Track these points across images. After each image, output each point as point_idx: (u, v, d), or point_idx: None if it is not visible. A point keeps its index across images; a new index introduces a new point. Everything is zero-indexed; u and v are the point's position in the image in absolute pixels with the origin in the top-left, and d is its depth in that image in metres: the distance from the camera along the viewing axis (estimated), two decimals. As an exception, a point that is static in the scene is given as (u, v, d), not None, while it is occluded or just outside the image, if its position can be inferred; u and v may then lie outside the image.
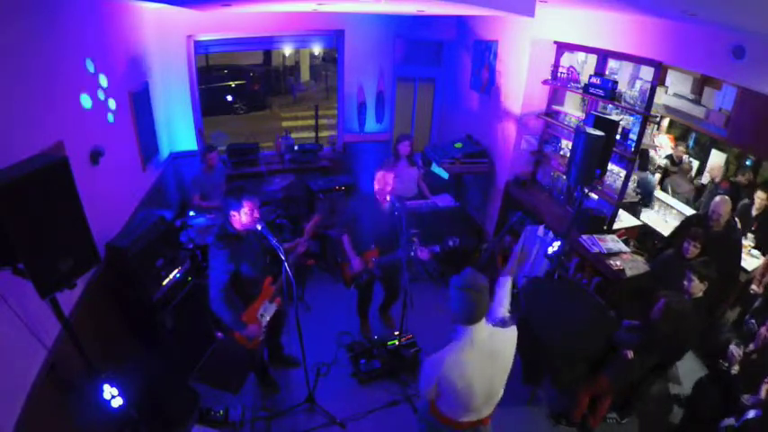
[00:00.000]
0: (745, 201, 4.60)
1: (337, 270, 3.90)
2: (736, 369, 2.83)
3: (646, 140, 4.08)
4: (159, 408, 2.87)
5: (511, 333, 2.10)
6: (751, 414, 2.58)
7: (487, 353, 1.99)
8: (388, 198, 3.46)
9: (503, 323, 2.11)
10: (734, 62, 2.88)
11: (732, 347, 2.90)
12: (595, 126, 3.27)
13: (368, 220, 3.53)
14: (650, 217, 4.85)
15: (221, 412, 3.17)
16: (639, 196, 4.58)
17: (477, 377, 1.98)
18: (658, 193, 5.19)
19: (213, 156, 4.65)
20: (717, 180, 5.07)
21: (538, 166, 5.17)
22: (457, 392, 2.00)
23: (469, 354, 1.96)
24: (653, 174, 5.44)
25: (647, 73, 3.81)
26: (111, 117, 3.41)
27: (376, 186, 3.47)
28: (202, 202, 4.61)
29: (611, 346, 3.17)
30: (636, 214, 4.68)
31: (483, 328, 1.98)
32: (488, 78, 5.29)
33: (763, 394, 2.59)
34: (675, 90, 4.42)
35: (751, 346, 2.99)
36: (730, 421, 2.67)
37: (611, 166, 4.00)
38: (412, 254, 3.40)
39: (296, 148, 5.82)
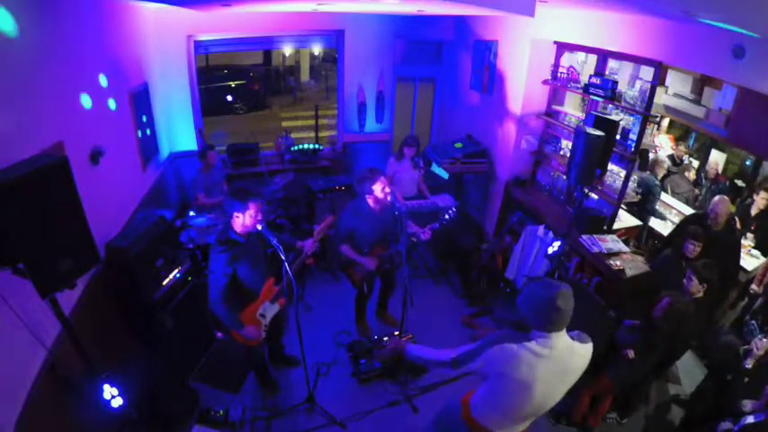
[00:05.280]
0: (746, 200, 4.60)
1: (340, 272, 3.92)
2: (750, 363, 2.81)
3: (646, 140, 4.07)
4: (159, 408, 2.87)
5: (586, 350, 1.92)
6: (750, 419, 2.56)
7: (563, 366, 1.85)
8: (388, 198, 3.44)
9: (579, 338, 1.93)
10: (734, 62, 2.87)
11: (756, 341, 2.85)
12: (595, 126, 3.27)
13: (364, 226, 3.52)
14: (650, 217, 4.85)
15: (221, 412, 3.16)
16: (640, 196, 4.57)
17: (541, 385, 1.84)
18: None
19: (212, 155, 4.66)
20: (711, 176, 5.08)
21: (538, 166, 5.17)
22: (515, 391, 1.88)
23: (545, 360, 1.80)
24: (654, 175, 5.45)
25: (647, 73, 3.80)
26: (111, 117, 3.42)
27: (377, 196, 3.40)
28: (205, 199, 4.61)
29: (612, 346, 3.18)
30: (643, 219, 4.64)
31: (564, 339, 1.83)
32: (488, 78, 5.29)
33: (765, 400, 2.58)
34: (675, 90, 4.41)
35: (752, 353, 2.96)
36: (728, 425, 2.66)
37: (611, 166, 4.00)
38: (415, 239, 3.41)
39: (295, 148, 5.82)
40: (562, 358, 1.83)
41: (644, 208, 4.69)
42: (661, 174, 4.81)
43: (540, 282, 1.83)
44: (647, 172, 4.72)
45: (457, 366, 1.96)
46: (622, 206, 4.26)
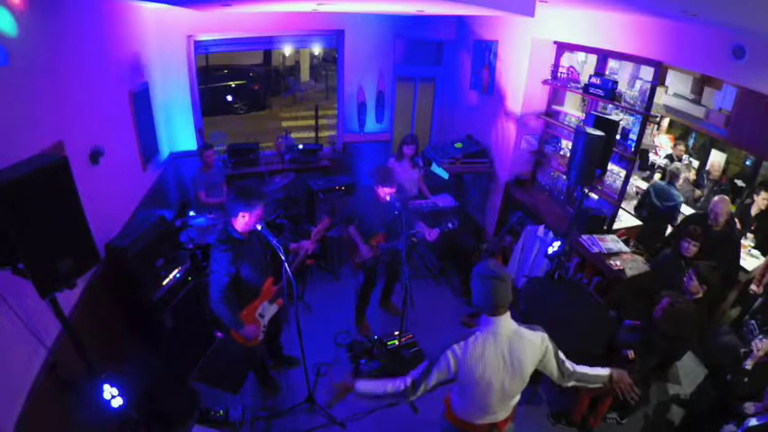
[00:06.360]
0: (746, 200, 4.60)
1: (344, 262, 3.96)
2: (750, 364, 2.81)
3: (646, 140, 4.06)
4: (159, 408, 2.87)
5: (534, 339, 1.97)
6: (753, 422, 2.56)
7: (506, 350, 1.91)
8: (388, 198, 3.49)
9: (530, 327, 1.98)
10: (734, 62, 2.88)
11: (756, 341, 2.86)
12: (595, 126, 3.27)
13: (370, 210, 3.64)
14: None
15: (221, 412, 3.17)
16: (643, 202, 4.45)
17: (492, 371, 1.92)
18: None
19: (209, 153, 4.66)
20: (713, 177, 5.08)
21: (538, 166, 5.17)
22: (475, 385, 1.95)
23: (491, 346, 1.90)
24: (652, 175, 5.44)
25: (647, 73, 3.81)
26: (111, 117, 3.41)
27: (379, 194, 3.56)
28: (206, 198, 4.61)
29: (612, 347, 3.17)
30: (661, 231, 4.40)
31: (508, 323, 1.92)
32: (488, 78, 5.29)
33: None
34: (675, 90, 4.41)
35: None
36: (731, 428, 2.65)
37: (611, 166, 4.00)
38: (415, 239, 3.54)
39: (299, 147, 5.82)
40: (508, 340, 1.92)
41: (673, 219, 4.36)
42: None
43: (480, 268, 1.90)
44: (677, 185, 4.45)
45: (415, 389, 1.99)
46: (622, 207, 4.24)
